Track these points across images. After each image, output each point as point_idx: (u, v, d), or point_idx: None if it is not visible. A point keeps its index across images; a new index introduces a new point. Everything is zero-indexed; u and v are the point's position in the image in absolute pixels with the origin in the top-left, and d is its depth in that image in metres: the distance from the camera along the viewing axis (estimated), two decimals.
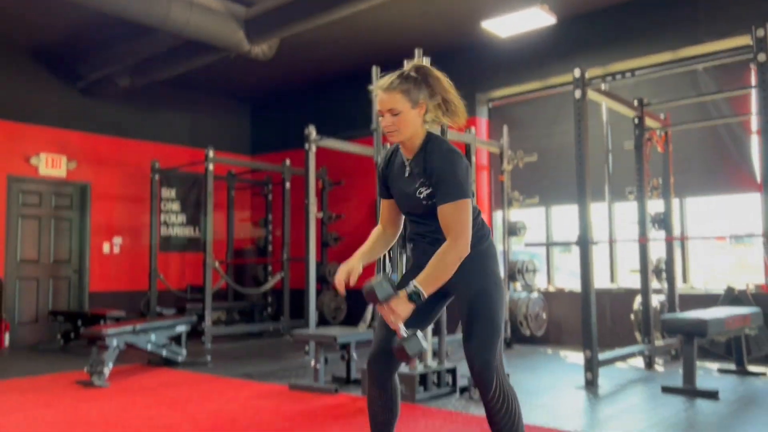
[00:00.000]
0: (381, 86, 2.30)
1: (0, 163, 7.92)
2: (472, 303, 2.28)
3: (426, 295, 2.15)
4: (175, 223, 9.53)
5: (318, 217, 7.80)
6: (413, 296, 2.15)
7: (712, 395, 4.28)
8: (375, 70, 5.13)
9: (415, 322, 2.27)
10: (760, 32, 4.43)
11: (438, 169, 2.23)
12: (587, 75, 5.04)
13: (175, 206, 9.57)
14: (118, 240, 8.95)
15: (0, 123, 7.93)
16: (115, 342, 5.23)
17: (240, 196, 10.24)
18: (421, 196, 2.31)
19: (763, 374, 5.07)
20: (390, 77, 2.31)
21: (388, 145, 2.61)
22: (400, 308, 2.15)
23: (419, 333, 2.19)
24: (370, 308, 5.65)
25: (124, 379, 5.26)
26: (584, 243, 4.84)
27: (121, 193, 9.00)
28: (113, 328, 5.40)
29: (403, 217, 2.51)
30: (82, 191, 8.68)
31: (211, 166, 7.74)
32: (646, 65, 6.64)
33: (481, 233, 2.35)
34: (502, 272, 2.45)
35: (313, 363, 4.86)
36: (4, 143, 7.95)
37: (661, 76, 6.40)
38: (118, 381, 5.16)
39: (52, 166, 8.29)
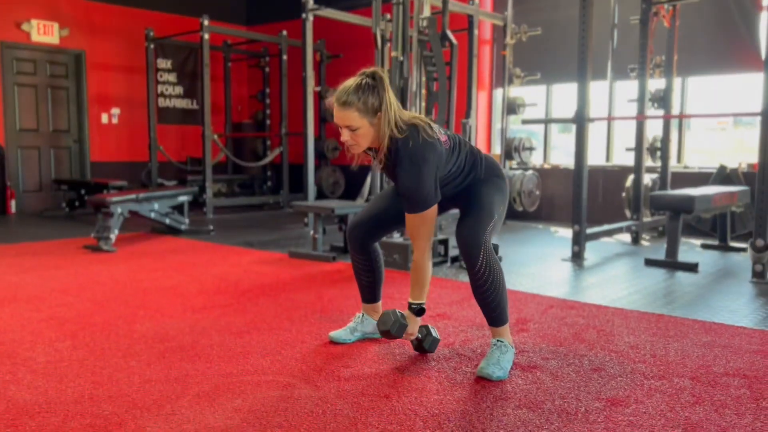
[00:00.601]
0: (337, 101, 2.30)
1: None
2: (470, 197, 2.45)
3: (425, 302, 2.44)
4: (172, 94, 9.44)
5: (316, 91, 7.72)
6: (417, 312, 2.44)
7: (692, 267, 4.49)
8: None
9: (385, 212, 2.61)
10: None
11: (405, 187, 2.33)
12: None
13: (172, 77, 9.43)
14: (116, 110, 8.92)
15: None
16: (119, 209, 5.39)
17: (236, 69, 10.07)
18: None
19: (744, 249, 5.29)
20: (346, 89, 2.29)
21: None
22: (413, 328, 2.46)
23: (431, 328, 2.55)
24: (367, 184, 5.76)
25: (130, 245, 5.48)
26: (581, 119, 4.87)
27: (116, 63, 8.84)
28: (117, 196, 5.55)
29: None
30: (77, 59, 8.53)
31: (206, 35, 7.56)
32: None
33: (474, 166, 2.47)
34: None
35: (312, 233, 5.05)
36: None
37: None
38: (124, 247, 5.38)
39: (44, 33, 8.08)
